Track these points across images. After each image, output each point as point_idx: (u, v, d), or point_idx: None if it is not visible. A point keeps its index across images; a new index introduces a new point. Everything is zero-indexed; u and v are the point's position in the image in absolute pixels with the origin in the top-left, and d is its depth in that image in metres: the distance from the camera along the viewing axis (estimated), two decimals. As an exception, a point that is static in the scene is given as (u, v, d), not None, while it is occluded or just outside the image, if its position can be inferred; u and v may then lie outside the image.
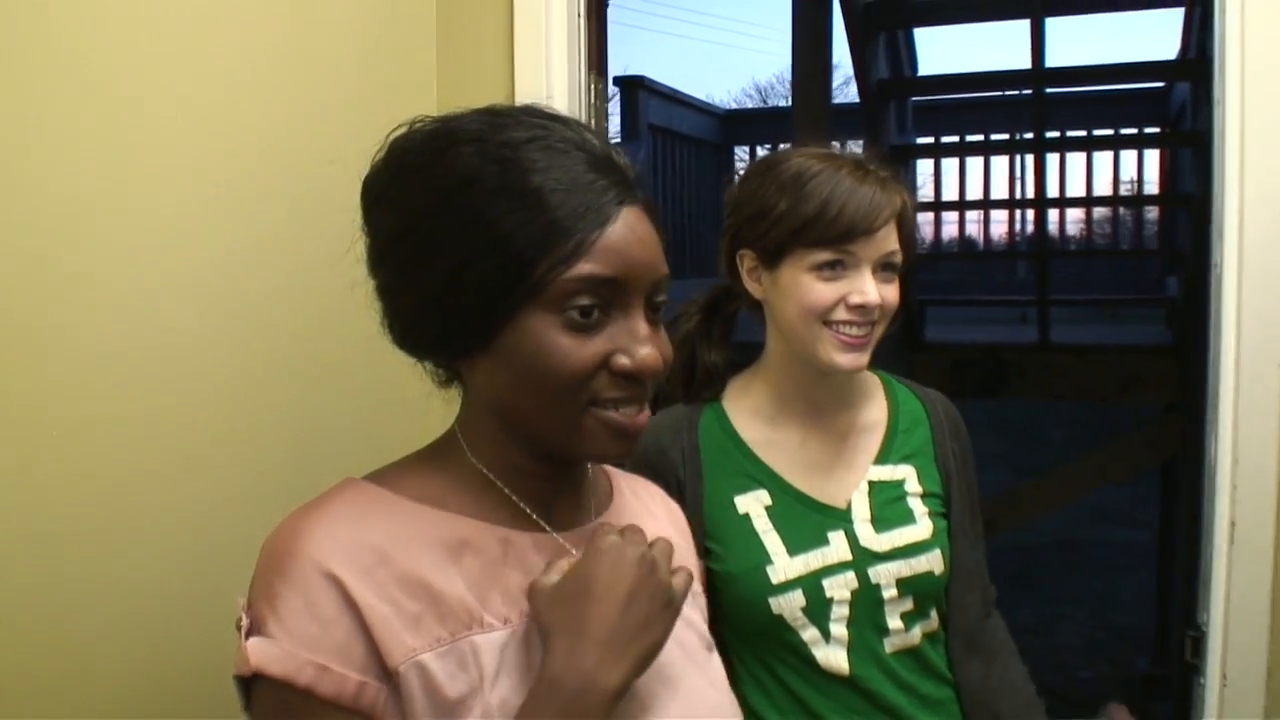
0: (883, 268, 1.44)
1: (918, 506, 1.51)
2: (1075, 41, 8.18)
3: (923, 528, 1.49)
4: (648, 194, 0.99)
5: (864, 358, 1.45)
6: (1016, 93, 6.86)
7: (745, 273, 1.51)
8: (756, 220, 1.46)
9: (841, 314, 1.42)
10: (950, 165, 7.35)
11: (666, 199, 7.44)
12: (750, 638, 1.48)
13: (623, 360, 0.94)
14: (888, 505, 1.50)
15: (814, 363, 1.47)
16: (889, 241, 1.43)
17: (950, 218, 8.38)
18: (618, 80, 7.53)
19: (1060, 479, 6.10)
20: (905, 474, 1.53)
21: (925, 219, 7.87)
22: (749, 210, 1.47)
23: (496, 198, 0.91)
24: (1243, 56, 1.78)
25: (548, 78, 2.10)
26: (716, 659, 1.12)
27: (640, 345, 0.94)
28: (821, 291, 1.42)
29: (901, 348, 5.55)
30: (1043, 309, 5.75)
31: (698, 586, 1.15)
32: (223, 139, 1.52)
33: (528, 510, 1.01)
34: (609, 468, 1.14)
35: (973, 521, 1.58)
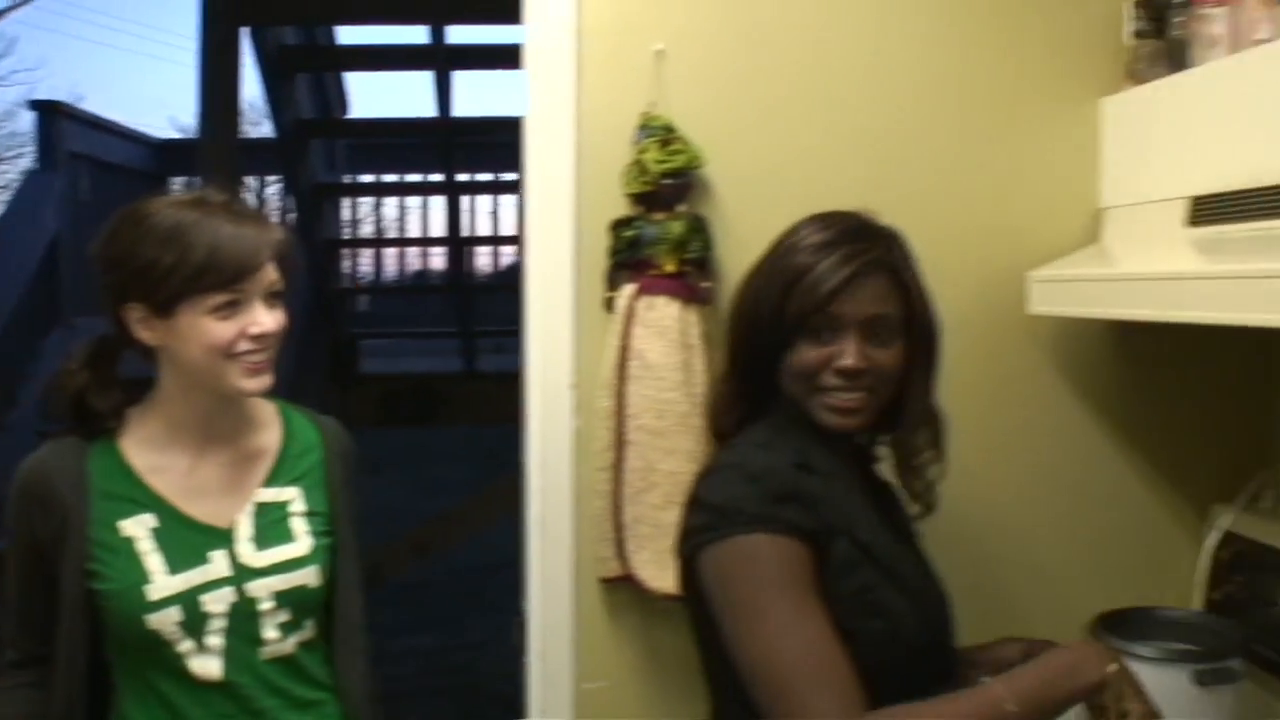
0: (270, 297, 1.56)
1: (299, 525, 1.63)
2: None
3: (302, 545, 1.62)
4: None
5: (270, 379, 1.57)
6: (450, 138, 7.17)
7: (135, 323, 1.55)
8: (141, 276, 1.51)
9: (243, 345, 1.52)
10: (393, 202, 7.57)
11: (92, 233, 6.96)
12: (129, 652, 1.56)
13: None
14: (271, 525, 1.62)
15: (223, 391, 1.56)
16: (272, 273, 1.56)
17: (395, 252, 8.60)
18: (33, 105, 7.04)
19: (488, 499, 6.43)
20: (292, 495, 1.65)
21: (368, 253, 8.10)
22: (131, 266, 1.52)
23: None
24: (545, 118, 2.04)
25: None
26: None
27: None
28: (222, 330, 1.51)
29: (333, 381, 5.66)
30: (467, 340, 6.09)
31: None
32: None
33: None
34: None
35: (356, 537, 1.72)
